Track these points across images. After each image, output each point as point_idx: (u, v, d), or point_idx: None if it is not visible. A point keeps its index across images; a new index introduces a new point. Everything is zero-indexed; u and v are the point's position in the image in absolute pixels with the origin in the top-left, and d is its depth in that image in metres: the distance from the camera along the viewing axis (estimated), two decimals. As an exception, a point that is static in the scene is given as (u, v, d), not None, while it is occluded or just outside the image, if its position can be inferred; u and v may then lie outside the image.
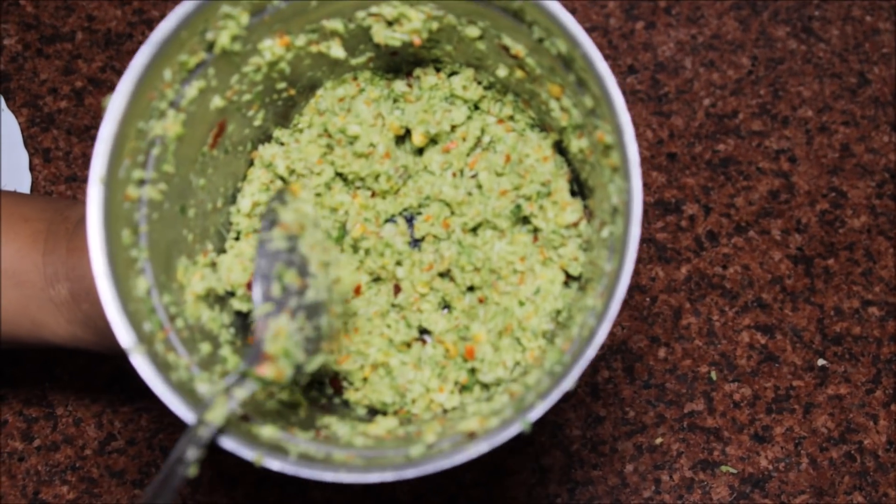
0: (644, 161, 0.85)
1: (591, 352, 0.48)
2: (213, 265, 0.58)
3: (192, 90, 0.53)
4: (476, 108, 0.61)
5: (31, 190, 0.82)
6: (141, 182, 0.52)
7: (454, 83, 0.60)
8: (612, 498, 0.74)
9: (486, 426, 0.50)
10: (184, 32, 0.51)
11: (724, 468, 0.75)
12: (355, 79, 0.61)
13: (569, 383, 0.48)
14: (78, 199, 0.74)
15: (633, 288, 0.80)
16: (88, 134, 0.86)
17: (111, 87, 0.88)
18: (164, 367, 0.49)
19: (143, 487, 0.74)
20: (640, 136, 0.86)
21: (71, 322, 0.59)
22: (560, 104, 0.56)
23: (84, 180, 0.84)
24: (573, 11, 0.92)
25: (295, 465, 0.49)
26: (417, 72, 0.61)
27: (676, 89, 0.89)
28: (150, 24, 0.91)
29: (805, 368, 0.78)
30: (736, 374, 0.78)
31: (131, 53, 0.89)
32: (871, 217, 0.83)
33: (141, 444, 0.75)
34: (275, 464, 0.49)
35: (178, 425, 0.75)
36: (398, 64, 0.61)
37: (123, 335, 0.49)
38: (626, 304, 0.79)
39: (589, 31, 0.91)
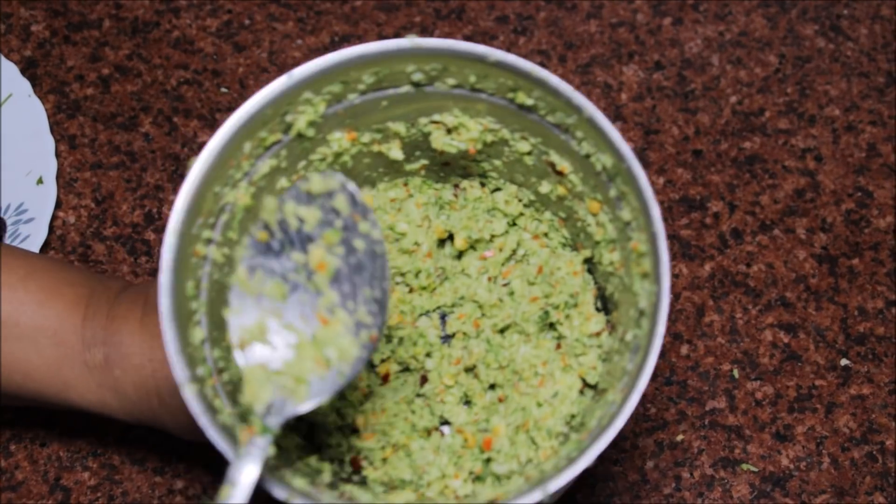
0: (669, 157, 0.85)
1: (610, 434, 0.51)
2: None
3: (264, 166, 0.57)
4: (513, 223, 0.66)
5: (57, 176, 0.82)
6: (208, 241, 0.55)
7: (497, 198, 0.65)
8: (631, 494, 0.74)
9: (506, 498, 0.53)
10: (269, 110, 0.55)
11: (744, 466, 0.75)
12: (406, 184, 0.66)
13: (587, 461, 0.51)
14: (118, 275, 0.78)
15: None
16: (114, 121, 0.86)
17: (138, 75, 0.88)
18: (210, 408, 0.51)
19: (163, 475, 0.74)
20: (665, 132, 0.86)
21: (101, 386, 0.61)
22: (597, 219, 0.60)
23: (110, 167, 0.84)
24: (600, 7, 0.91)
25: None
26: (464, 184, 0.66)
27: (703, 86, 0.88)
28: (178, 13, 0.91)
29: (828, 368, 0.78)
30: (758, 373, 0.77)
31: (158, 42, 0.90)
32: (897, 217, 0.83)
33: (163, 434, 0.75)
34: None
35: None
36: (446, 175, 0.66)
37: (179, 370, 0.50)
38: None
39: (616, 26, 0.91)
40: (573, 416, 0.62)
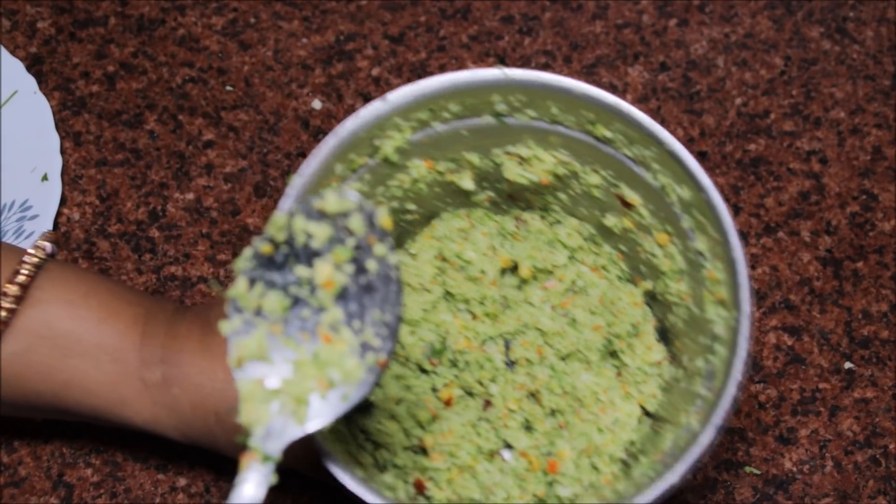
0: (674, 159, 0.85)
1: (696, 451, 0.52)
2: None
3: (350, 188, 0.60)
4: (572, 257, 0.67)
5: (62, 173, 0.82)
6: None
7: (558, 231, 0.67)
8: (634, 496, 0.74)
9: None
10: (363, 133, 0.58)
11: (747, 469, 0.75)
12: (468, 215, 0.68)
13: (675, 476, 0.52)
14: (167, 296, 0.79)
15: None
16: (119, 118, 0.86)
17: (143, 72, 0.88)
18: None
19: (166, 473, 0.74)
20: (670, 133, 0.86)
21: (156, 404, 0.62)
22: (664, 251, 0.61)
23: (115, 164, 0.84)
24: (606, 8, 0.91)
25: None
26: (525, 216, 0.68)
27: (708, 87, 0.88)
28: (183, 11, 0.91)
29: (832, 371, 0.78)
30: (762, 375, 0.77)
31: (164, 39, 0.90)
32: (902, 221, 0.83)
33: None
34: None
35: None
36: (508, 208, 0.68)
37: None
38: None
39: (621, 27, 0.91)
40: (632, 443, 0.63)
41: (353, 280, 0.48)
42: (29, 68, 0.87)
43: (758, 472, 0.75)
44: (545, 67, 0.89)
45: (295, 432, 0.48)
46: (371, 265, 0.48)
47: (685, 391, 0.59)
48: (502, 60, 0.89)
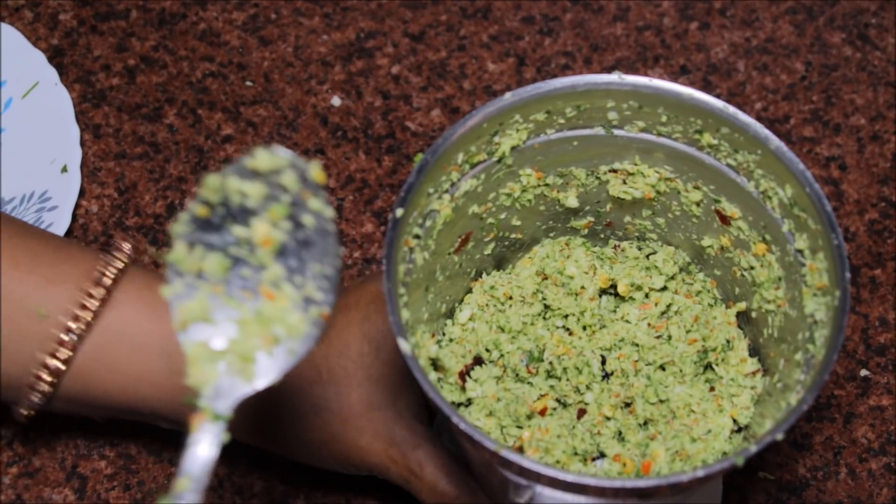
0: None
1: (809, 399, 0.53)
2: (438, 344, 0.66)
3: (465, 185, 0.61)
4: (664, 288, 0.69)
5: (81, 165, 0.82)
6: (416, 237, 0.59)
7: (655, 258, 0.69)
8: (647, 499, 0.74)
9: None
10: (486, 124, 0.59)
11: (761, 474, 0.74)
12: (567, 244, 0.70)
13: (779, 434, 0.52)
14: None
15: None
16: (139, 112, 0.87)
17: (163, 66, 0.89)
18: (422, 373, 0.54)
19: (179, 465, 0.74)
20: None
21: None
22: (761, 261, 0.63)
23: (133, 157, 0.85)
24: (627, 10, 0.91)
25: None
26: (623, 245, 0.70)
27: (728, 92, 0.88)
28: (204, 5, 0.91)
29: (847, 378, 0.78)
30: (777, 381, 0.77)
31: (184, 34, 0.90)
32: (921, 228, 0.82)
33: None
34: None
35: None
36: (606, 238, 0.71)
37: (396, 324, 0.53)
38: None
39: (642, 29, 0.91)
40: (725, 454, 0.64)
41: (291, 236, 0.49)
42: (50, 60, 0.88)
43: (771, 477, 0.74)
44: (565, 69, 0.89)
45: (244, 390, 0.48)
46: (307, 220, 0.48)
47: (777, 403, 0.60)
48: (522, 61, 0.89)
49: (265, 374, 0.49)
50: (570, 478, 0.50)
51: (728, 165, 0.62)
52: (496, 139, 0.61)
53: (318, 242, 0.49)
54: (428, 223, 0.60)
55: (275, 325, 0.49)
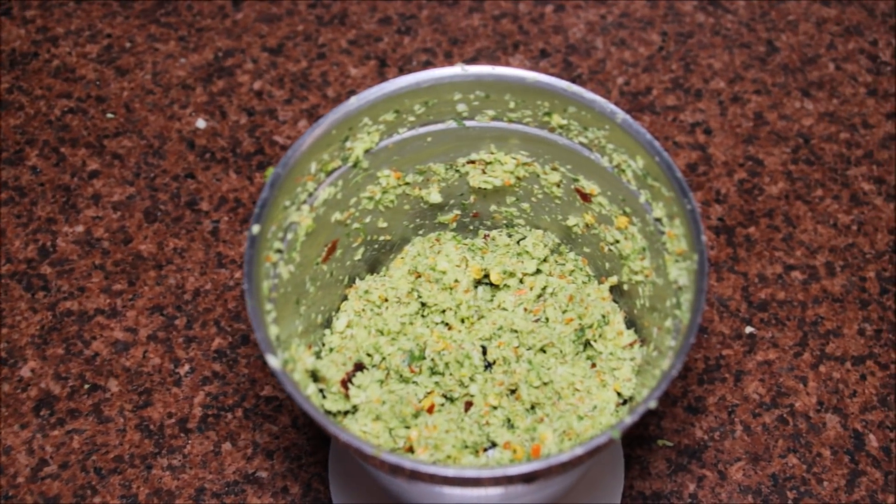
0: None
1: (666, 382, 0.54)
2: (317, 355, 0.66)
3: (324, 193, 0.61)
4: (538, 271, 0.70)
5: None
6: (278, 251, 0.59)
7: (525, 243, 0.70)
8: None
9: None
10: (335, 130, 0.59)
11: (660, 442, 0.75)
12: (437, 239, 0.71)
13: (652, 402, 0.53)
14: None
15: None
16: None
17: (20, 108, 0.87)
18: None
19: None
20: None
21: None
22: (625, 234, 0.64)
23: (-2, 205, 0.83)
24: (482, 0, 0.92)
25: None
26: (492, 234, 0.71)
27: (589, 70, 0.89)
28: (55, 42, 0.89)
29: (733, 337, 0.79)
30: (666, 348, 0.78)
31: (38, 72, 0.88)
32: (788, 183, 0.84)
33: (74, 467, 0.74)
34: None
35: (110, 445, 0.74)
36: (475, 229, 0.72)
37: (263, 340, 0.53)
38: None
39: (499, 18, 0.91)
40: (611, 427, 0.63)
41: None
42: None
43: (670, 443, 0.75)
44: (427, 65, 0.89)
45: None
46: None
47: (653, 372, 0.61)
48: (384, 62, 0.89)
49: None
50: (449, 472, 0.50)
51: (580, 144, 0.63)
52: (348, 144, 0.61)
53: None
54: (290, 236, 0.60)
55: None
